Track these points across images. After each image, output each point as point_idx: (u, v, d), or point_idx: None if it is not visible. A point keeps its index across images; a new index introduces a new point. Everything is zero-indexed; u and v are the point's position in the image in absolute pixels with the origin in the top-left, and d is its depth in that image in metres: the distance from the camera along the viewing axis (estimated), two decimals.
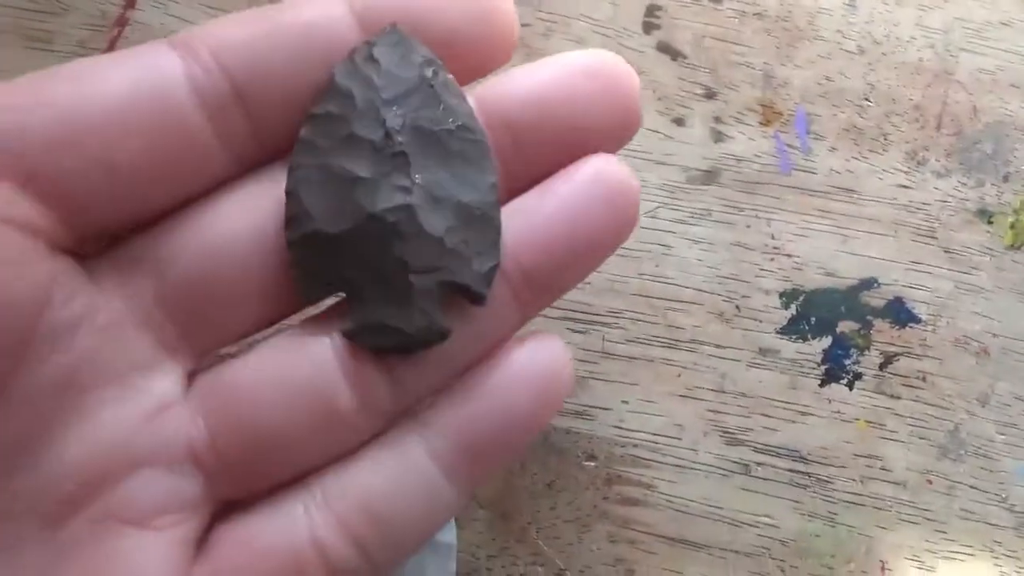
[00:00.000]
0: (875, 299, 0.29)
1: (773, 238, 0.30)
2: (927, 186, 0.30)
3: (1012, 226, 0.30)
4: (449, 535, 0.27)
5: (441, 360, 0.17)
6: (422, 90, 0.16)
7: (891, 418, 0.29)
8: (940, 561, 0.28)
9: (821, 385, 0.29)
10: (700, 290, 0.29)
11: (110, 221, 0.16)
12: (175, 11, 0.30)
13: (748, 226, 0.30)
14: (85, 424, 0.16)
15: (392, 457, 0.17)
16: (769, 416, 0.29)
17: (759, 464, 0.29)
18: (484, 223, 0.17)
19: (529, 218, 0.17)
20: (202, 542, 0.17)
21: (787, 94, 0.30)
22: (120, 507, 0.16)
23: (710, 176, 0.30)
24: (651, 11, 0.31)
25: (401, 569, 0.27)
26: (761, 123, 0.30)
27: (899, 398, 0.29)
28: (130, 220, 0.16)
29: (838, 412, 0.29)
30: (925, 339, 0.29)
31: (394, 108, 0.16)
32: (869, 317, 0.29)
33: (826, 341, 0.29)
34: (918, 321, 0.29)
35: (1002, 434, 0.29)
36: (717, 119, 0.30)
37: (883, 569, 0.28)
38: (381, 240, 0.16)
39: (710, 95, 0.30)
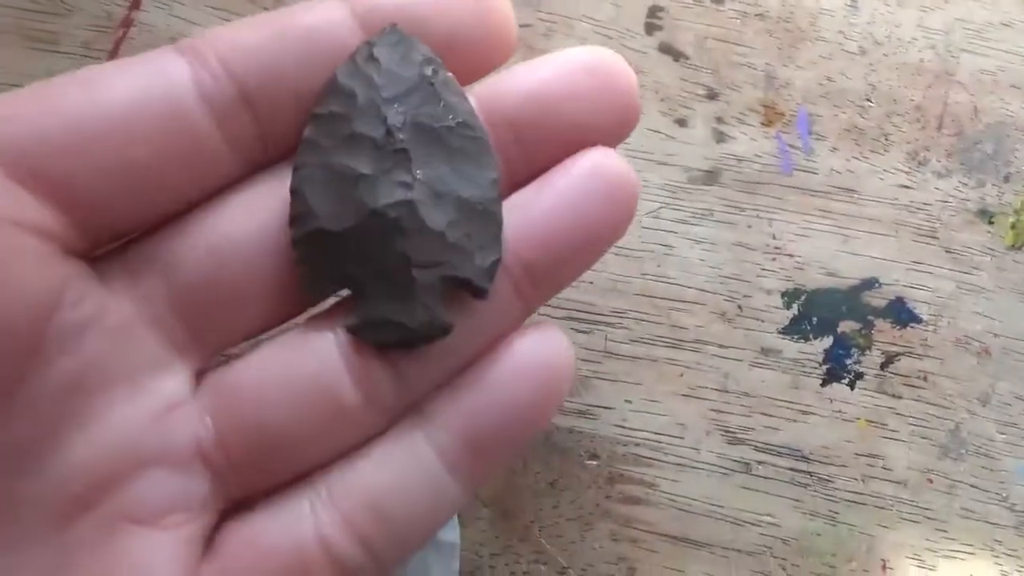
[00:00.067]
0: (876, 299, 0.30)
1: (775, 238, 0.30)
2: (928, 186, 0.30)
3: (1013, 226, 0.30)
4: (452, 534, 0.27)
5: (444, 355, 0.18)
6: (422, 88, 0.17)
7: (892, 417, 0.29)
8: (941, 560, 0.28)
9: (823, 385, 0.29)
10: (702, 290, 0.29)
11: (121, 224, 0.16)
12: (180, 12, 0.30)
13: (750, 226, 0.30)
14: (93, 425, 0.16)
15: (396, 454, 0.17)
16: (771, 415, 0.29)
17: (761, 463, 0.29)
18: (485, 218, 0.17)
19: (529, 212, 0.17)
20: (210, 541, 0.17)
21: (789, 95, 0.31)
22: (128, 507, 0.16)
23: (712, 176, 0.30)
24: (653, 12, 0.31)
25: (405, 568, 0.27)
26: (763, 123, 0.30)
27: (900, 398, 0.29)
28: (140, 223, 0.16)
29: (839, 411, 0.29)
30: (926, 339, 0.29)
31: (395, 106, 0.16)
32: (870, 317, 0.29)
33: (827, 341, 0.29)
34: (919, 321, 0.29)
35: (1003, 433, 0.29)
36: (719, 119, 0.30)
37: (884, 568, 0.28)
38: (383, 236, 0.16)
39: (712, 96, 0.30)
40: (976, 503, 0.29)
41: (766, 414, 0.29)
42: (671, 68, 0.31)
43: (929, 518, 0.28)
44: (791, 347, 0.29)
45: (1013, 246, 0.30)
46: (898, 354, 0.29)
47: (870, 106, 0.30)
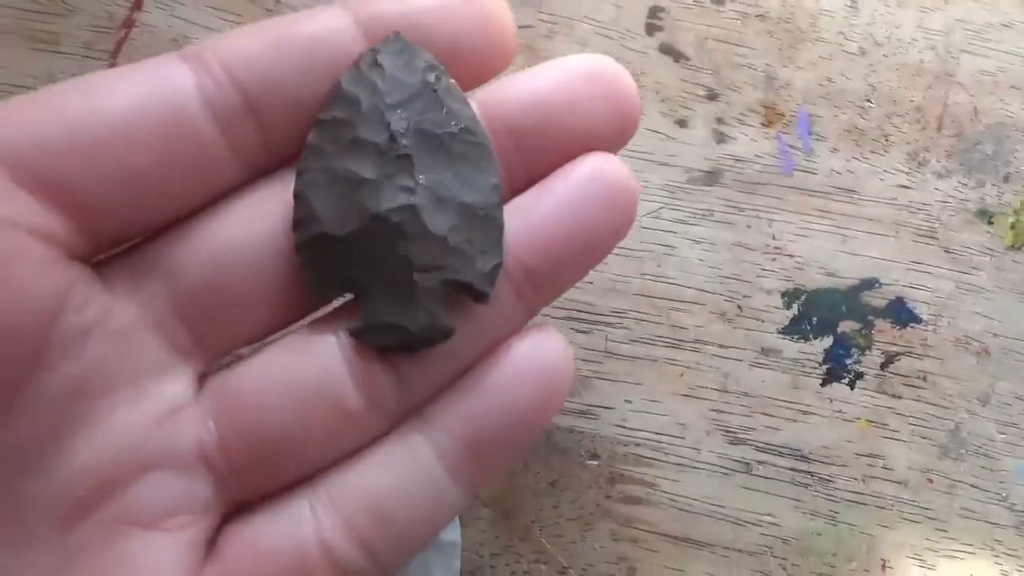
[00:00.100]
0: (876, 299, 0.30)
1: (775, 238, 0.30)
2: (928, 187, 0.30)
3: (1012, 226, 0.30)
4: (453, 533, 0.28)
5: (446, 358, 0.18)
6: (425, 95, 0.17)
7: (892, 417, 0.29)
8: (941, 559, 0.28)
9: (823, 385, 0.29)
10: (702, 290, 0.29)
11: (125, 229, 0.16)
12: (181, 13, 0.30)
13: (750, 226, 0.30)
14: (96, 428, 0.16)
15: (397, 457, 0.17)
16: (771, 415, 0.29)
17: (761, 463, 0.29)
18: (487, 223, 0.17)
19: (529, 217, 0.17)
20: (212, 543, 0.17)
21: (789, 95, 0.31)
22: (131, 510, 0.16)
23: (712, 177, 0.30)
24: (654, 13, 0.31)
25: (406, 568, 0.27)
26: (763, 124, 0.30)
27: (900, 397, 0.29)
28: (144, 228, 0.17)
29: (839, 411, 0.29)
30: (926, 339, 0.29)
31: (398, 112, 0.17)
32: (870, 317, 0.30)
33: (827, 341, 0.29)
34: (919, 321, 0.30)
35: (1002, 433, 0.29)
36: (719, 120, 0.30)
37: (884, 567, 0.28)
38: (386, 240, 0.17)
39: (712, 96, 0.31)
40: (976, 503, 0.29)
41: (766, 414, 0.29)
42: (671, 69, 0.31)
43: (929, 518, 0.29)
44: (791, 347, 0.29)
45: (1012, 246, 0.30)
46: (898, 354, 0.29)
47: (870, 107, 0.31)
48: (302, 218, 0.17)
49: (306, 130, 0.17)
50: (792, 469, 0.29)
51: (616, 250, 0.29)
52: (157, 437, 0.16)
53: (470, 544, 0.28)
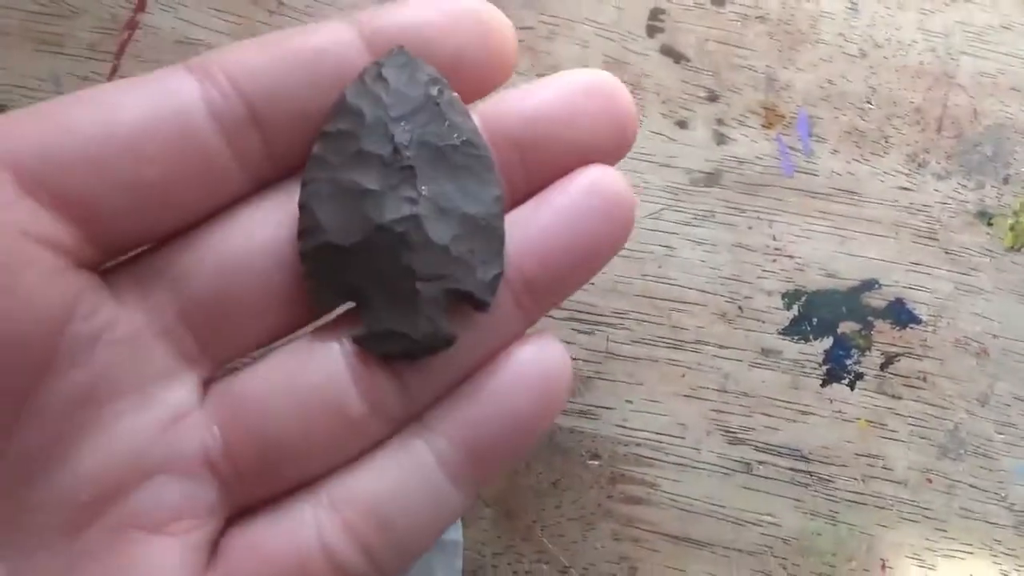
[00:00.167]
0: (876, 300, 0.30)
1: (775, 239, 0.30)
2: (927, 188, 0.30)
3: (1012, 228, 0.30)
4: (456, 533, 0.28)
5: (447, 365, 0.18)
6: (428, 108, 0.17)
7: (892, 418, 0.29)
8: (940, 559, 0.29)
9: (823, 385, 0.29)
10: (703, 291, 0.30)
11: (132, 238, 0.16)
12: (185, 15, 0.30)
13: (750, 227, 0.30)
14: (103, 434, 0.16)
15: (399, 462, 0.18)
16: (771, 416, 0.29)
17: (761, 463, 0.29)
18: (488, 233, 0.17)
19: (529, 227, 0.18)
20: (215, 547, 0.17)
21: (789, 97, 0.31)
22: (136, 514, 0.16)
23: (713, 178, 0.30)
24: (655, 15, 0.31)
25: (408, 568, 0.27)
26: (763, 126, 0.30)
27: (900, 398, 0.29)
28: (151, 237, 0.17)
29: (839, 412, 0.29)
30: (925, 340, 0.30)
31: (402, 124, 0.17)
32: (870, 318, 0.30)
33: (827, 342, 0.30)
34: (919, 322, 0.30)
35: (1001, 433, 0.29)
36: (720, 122, 0.30)
37: (884, 567, 0.28)
38: (389, 249, 0.17)
39: (713, 98, 0.31)
40: (975, 503, 0.29)
41: (766, 414, 0.29)
42: (672, 70, 0.31)
43: (928, 518, 0.29)
44: (791, 348, 0.29)
45: (1012, 247, 0.30)
46: (898, 355, 0.29)
47: (870, 108, 0.31)
48: (307, 228, 0.17)
49: (310, 142, 0.17)
50: (792, 469, 0.29)
51: None
52: (162, 443, 0.17)
53: (472, 543, 0.28)
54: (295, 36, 0.17)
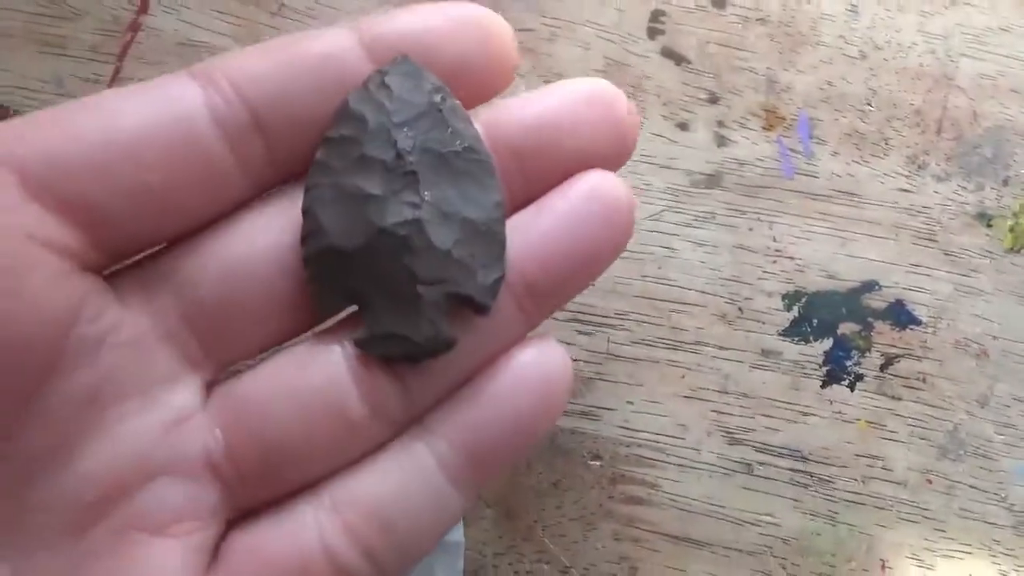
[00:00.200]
0: (876, 301, 0.30)
1: (775, 241, 0.30)
2: (927, 190, 0.30)
3: (1011, 229, 0.30)
4: (457, 533, 0.28)
5: (448, 368, 0.18)
6: (431, 114, 0.17)
7: (891, 419, 0.29)
8: (939, 559, 0.29)
9: (823, 386, 0.29)
10: (703, 292, 0.30)
11: (136, 242, 0.17)
12: (187, 16, 0.30)
13: (751, 229, 0.30)
14: (106, 436, 0.16)
15: (400, 465, 0.18)
16: (771, 416, 0.29)
17: (761, 464, 0.29)
18: (489, 238, 0.17)
19: (530, 232, 0.18)
20: (216, 549, 0.17)
21: (790, 99, 0.31)
22: (139, 516, 0.16)
23: (713, 180, 0.30)
24: (655, 16, 0.31)
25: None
26: (764, 127, 0.31)
27: (899, 399, 0.29)
28: (155, 241, 0.17)
29: (839, 413, 0.29)
30: (925, 341, 0.30)
31: (405, 130, 0.17)
32: (870, 319, 0.30)
33: (827, 343, 0.30)
34: (918, 323, 0.30)
35: (1001, 434, 0.29)
36: (720, 123, 0.31)
37: (883, 567, 0.29)
38: (392, 253, 0.17)
39: (714, 100, 0.31)
40: (974, 503, 0.29)
41: (766, 415, 0.29)
42: (673, 72, 0.31)
43: (928, 518, 0.29)
44: (791, 349, 0.30)
45: (1011, 249, 0.30)
46: (897, 356, 0.30)
47: (870, 110, 0.31)
48: (310, 232, 0.17)
49: (312, 147, 0.17)
50: (792, 470, 0.29)
51: None
52: (165, 445, 0.17)
53: (473, 544, 0.28)
54: (297, 42, 0.17)
